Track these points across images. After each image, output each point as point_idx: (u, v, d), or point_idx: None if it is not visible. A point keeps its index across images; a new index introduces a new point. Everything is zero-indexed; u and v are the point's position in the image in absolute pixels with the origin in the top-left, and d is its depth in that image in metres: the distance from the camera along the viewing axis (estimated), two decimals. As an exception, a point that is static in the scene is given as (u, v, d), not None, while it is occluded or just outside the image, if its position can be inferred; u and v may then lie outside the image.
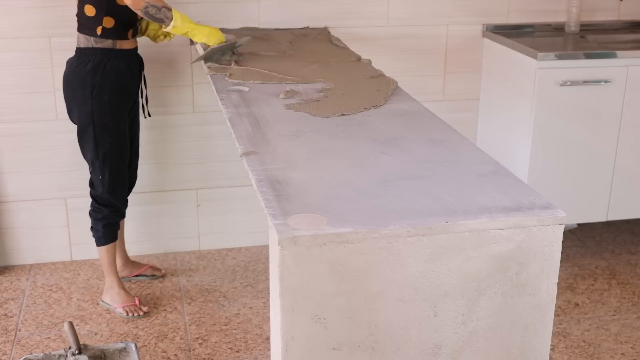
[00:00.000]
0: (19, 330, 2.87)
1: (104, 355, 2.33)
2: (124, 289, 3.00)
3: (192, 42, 3.09)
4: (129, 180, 3.00)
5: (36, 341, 2.80)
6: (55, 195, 3.30)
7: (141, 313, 2.96)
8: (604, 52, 3.19)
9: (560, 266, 1.59)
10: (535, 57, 3.09)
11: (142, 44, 2.96)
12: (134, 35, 2.81)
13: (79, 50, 2.74)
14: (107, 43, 2.71)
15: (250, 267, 3.37)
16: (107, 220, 2.91)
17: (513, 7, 3.51)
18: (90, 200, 2.93)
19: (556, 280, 1.58)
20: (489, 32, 3.47)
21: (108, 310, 3.00)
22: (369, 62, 2.72)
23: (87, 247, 3.39)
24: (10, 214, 3.29)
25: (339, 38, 3.14)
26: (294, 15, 3.29)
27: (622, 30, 3.61)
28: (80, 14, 2.72)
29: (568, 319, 2.97)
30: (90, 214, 2.93)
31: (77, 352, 2.26)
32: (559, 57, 3.10)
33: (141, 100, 2.98)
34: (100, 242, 2.94)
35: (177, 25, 2.59)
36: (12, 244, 3.33)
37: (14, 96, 3.15)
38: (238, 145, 1.90)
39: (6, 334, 2.85)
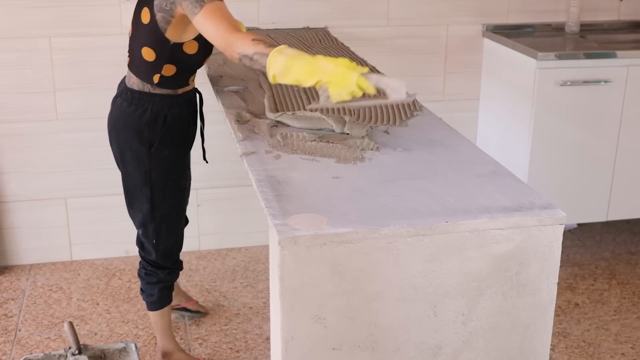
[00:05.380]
0: (19, 330, 2.87)
1: (104, 355, 2.33)
2: (184, 351, 2.59)
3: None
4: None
5: (36, 341, 2.80)
6: (55, 195, 3.30)
7: None
8: (604, 52, 3.19)
9: (560, 266, 1.59)
10: (535, 57, 3.09)
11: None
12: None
13: (131, 92, 2.22)
14: (167, 91, 2.22)
15: (250, 267, 3.36)
16: (164, 283, 2.45)
17: (513, 7, 3.51)
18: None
19: (556, 280, 1.58)
20: (489, 32, 3.47)
21: (108, 310, 3.00)
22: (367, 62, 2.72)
23: (87, 247, 3.39)
24: (10, 214, 3.29)
25: (339, 38, 3.14)
26: (294, 15, 3.29)
27: (622, 30, 3.61)
28: (135, 56, 2.19)
29: (568, 319, 2.97)
30: (141, 276, 2.45)
31: (77, 352, 2.26)
32: (559, 57, 3.10)
33: (202, 144, 2.55)
34: (154, 306, 2.48)
35: (276, 80, 1.74)
36: (12, 244, 3.33)
37: (14, 96, 3.15)
38: (238, 145, 1.90)
39: (6, 334, 2.85)
